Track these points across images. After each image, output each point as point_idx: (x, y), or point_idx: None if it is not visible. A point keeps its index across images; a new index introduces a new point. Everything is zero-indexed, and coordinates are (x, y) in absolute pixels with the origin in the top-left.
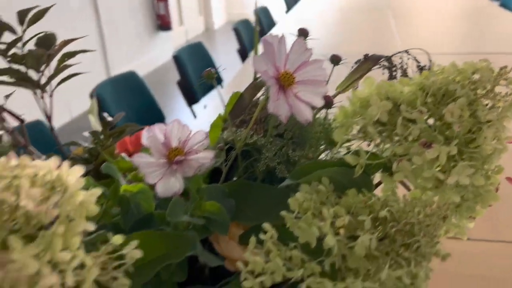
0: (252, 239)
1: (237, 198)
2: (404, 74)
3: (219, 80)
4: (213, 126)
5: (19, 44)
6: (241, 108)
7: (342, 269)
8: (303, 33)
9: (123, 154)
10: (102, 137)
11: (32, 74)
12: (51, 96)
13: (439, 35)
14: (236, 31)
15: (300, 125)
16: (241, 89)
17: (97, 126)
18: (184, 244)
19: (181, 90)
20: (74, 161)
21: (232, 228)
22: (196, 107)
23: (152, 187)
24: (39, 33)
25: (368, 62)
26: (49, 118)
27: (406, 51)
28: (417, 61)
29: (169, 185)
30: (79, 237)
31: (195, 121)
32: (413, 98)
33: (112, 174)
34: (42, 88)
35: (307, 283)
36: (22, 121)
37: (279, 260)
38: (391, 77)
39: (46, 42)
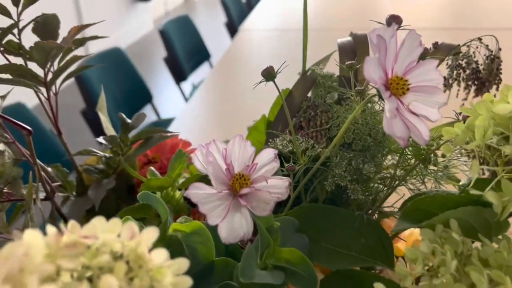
0: None
1: (307, 227)
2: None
3: (207, 56)
4: (254, 129)
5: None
6: (291, 108)
7: None
8: (396, 21)
9: (152, 168)
10: (121, 144)
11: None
12: (56, 94)
13: (419, 6)
14: (223, 3)
15: (374, 133)
16: (234, 68)
17: (109, 127)
18: None
19: (168, 67)
20: (89, 173)
21: None
22: (184, 85)
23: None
24: (37, 17)
25: (438, 51)
26: (56, 121)
27: (479, 39)
28: (489, 50)
29: (234, 225)
30: None
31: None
32: None
33: (155, 206)
34: (49, 85)
35: None
36: (30, 132)
37: None
38: (458, 66)
39: (48, 27)
